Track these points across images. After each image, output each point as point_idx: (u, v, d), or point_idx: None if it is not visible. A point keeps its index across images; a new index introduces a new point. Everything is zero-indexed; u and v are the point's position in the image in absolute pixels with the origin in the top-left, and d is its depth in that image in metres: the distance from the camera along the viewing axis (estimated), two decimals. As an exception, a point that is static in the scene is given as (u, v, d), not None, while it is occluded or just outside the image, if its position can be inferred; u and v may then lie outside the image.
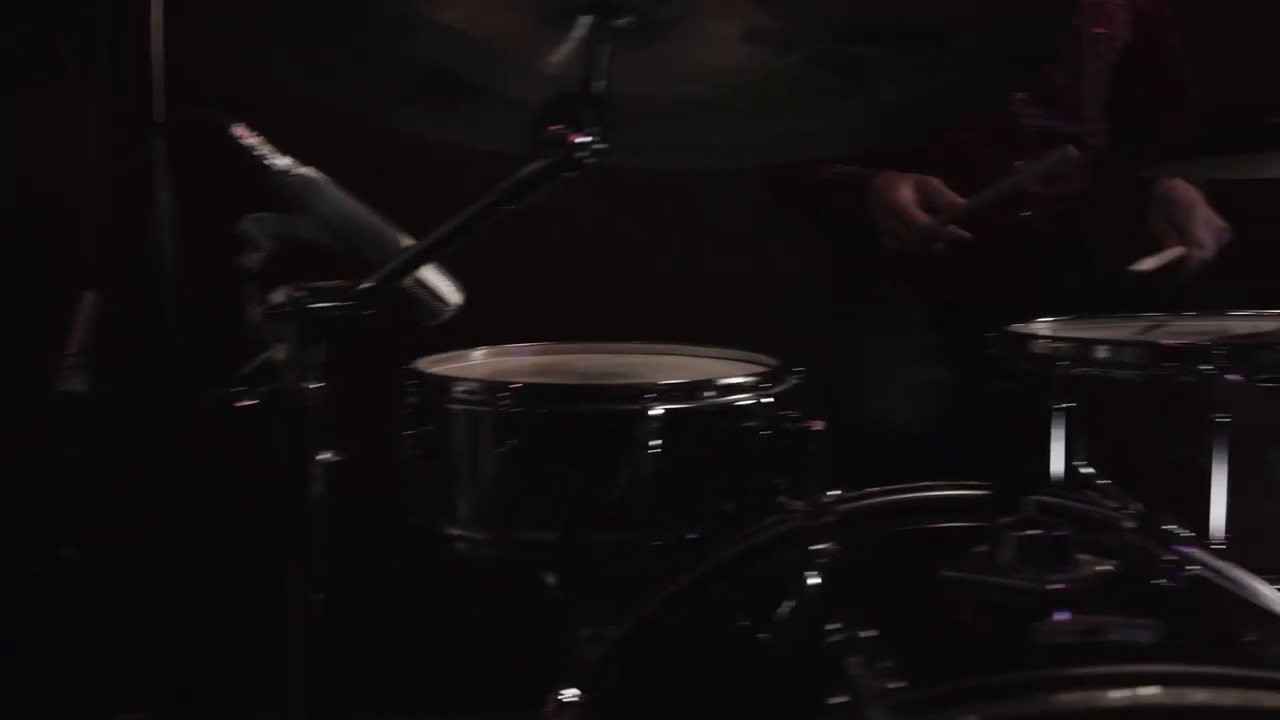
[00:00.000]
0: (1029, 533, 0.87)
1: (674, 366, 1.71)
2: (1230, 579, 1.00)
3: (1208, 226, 1.93)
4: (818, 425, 1.59)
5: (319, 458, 1.14)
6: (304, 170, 1.31)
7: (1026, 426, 1.36)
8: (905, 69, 1.05)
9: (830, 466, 1.75)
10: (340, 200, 1.33)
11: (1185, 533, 1.01)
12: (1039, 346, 1.37)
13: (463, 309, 1.36)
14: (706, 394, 1.44)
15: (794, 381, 1.57)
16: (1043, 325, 1.61)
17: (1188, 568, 0.95)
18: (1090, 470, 1.23)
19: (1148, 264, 1.83)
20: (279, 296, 1.11)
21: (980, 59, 0.97)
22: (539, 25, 1.07)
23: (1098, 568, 0.89)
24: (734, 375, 1.51)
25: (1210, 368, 1.22)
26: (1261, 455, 1.22)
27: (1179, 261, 1.89)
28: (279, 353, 1.14)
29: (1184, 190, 1.97)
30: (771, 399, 1.46)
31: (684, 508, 1.44)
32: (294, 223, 1.33)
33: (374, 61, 1.18)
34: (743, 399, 1.46)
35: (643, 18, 1.03)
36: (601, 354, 1.79)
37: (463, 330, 1.52)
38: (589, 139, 0.99)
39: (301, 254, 1.27)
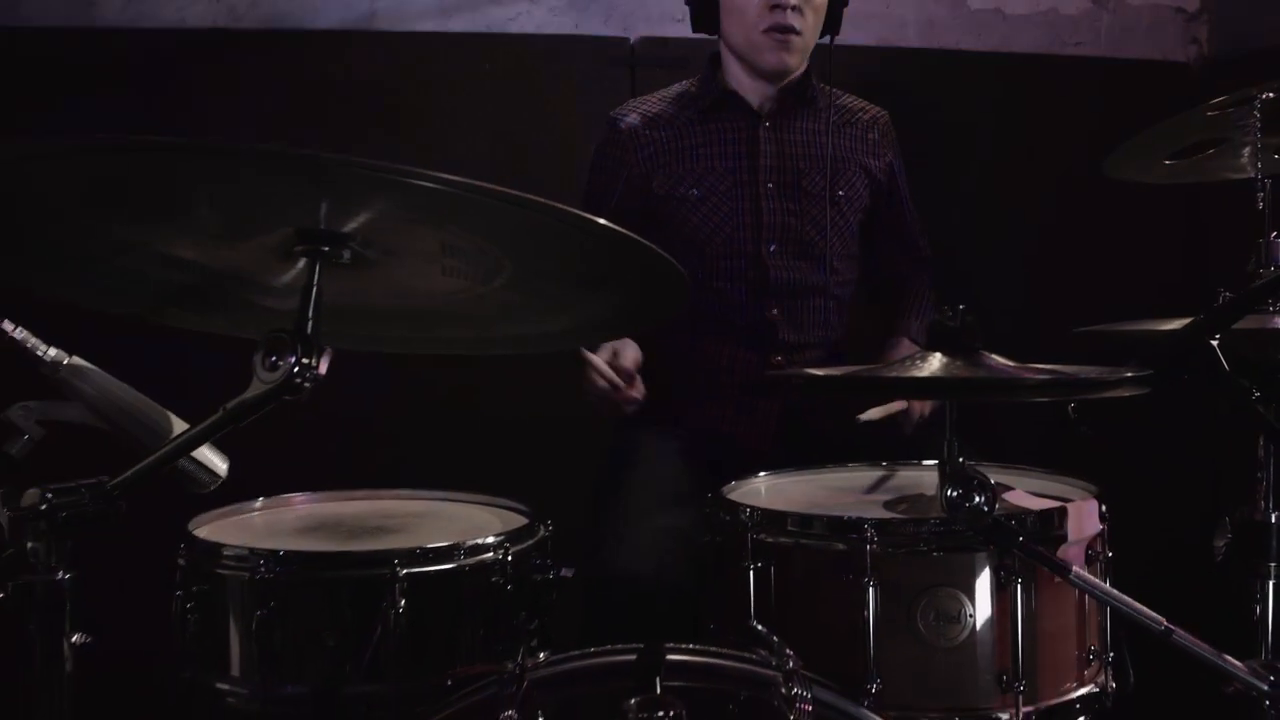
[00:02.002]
0: (642, 715, 1.06)
1: (437, 516, 1.86)
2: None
3: None
4: (567, 572, 1.76)
5: (72, 640, 1.24)
6: (73, 359, 1.43)
7: (733, 583, 1.55)
8: (582, 299, 1.25)
9: (585, 608, 1.93)
10: (108, 385, 1.46)
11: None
12: (742, 512, 1.56)
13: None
14: (453, 555, 1.59)
15: (543, 533, 1.74)
16: (762, 481, 1.83)
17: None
18: (761, 627, 1.43)
19: (872, 414, 2.05)
20: (30, 497, 1.22)
21: (626, 295, 1.18)
22: (272, 258, 1.23)
23: None
24: (485, 533, 1.67)
25: (859, 537, 1.44)
26: (905, 612, 1.44)
27: (901, 413, 2.12)
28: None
29: (910, 348, 2.22)
30: (510, 557, 1.62)
31: (436, 659, 1.59)
32: (62, 408, 1.46)
33: (130, 280, 1.32)
34: (488, 558, 1.62)
35: (355, 255, 1.20)
36: (372, 500, 1.94)
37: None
38: (301, 368, 1.14)
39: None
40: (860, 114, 2.42)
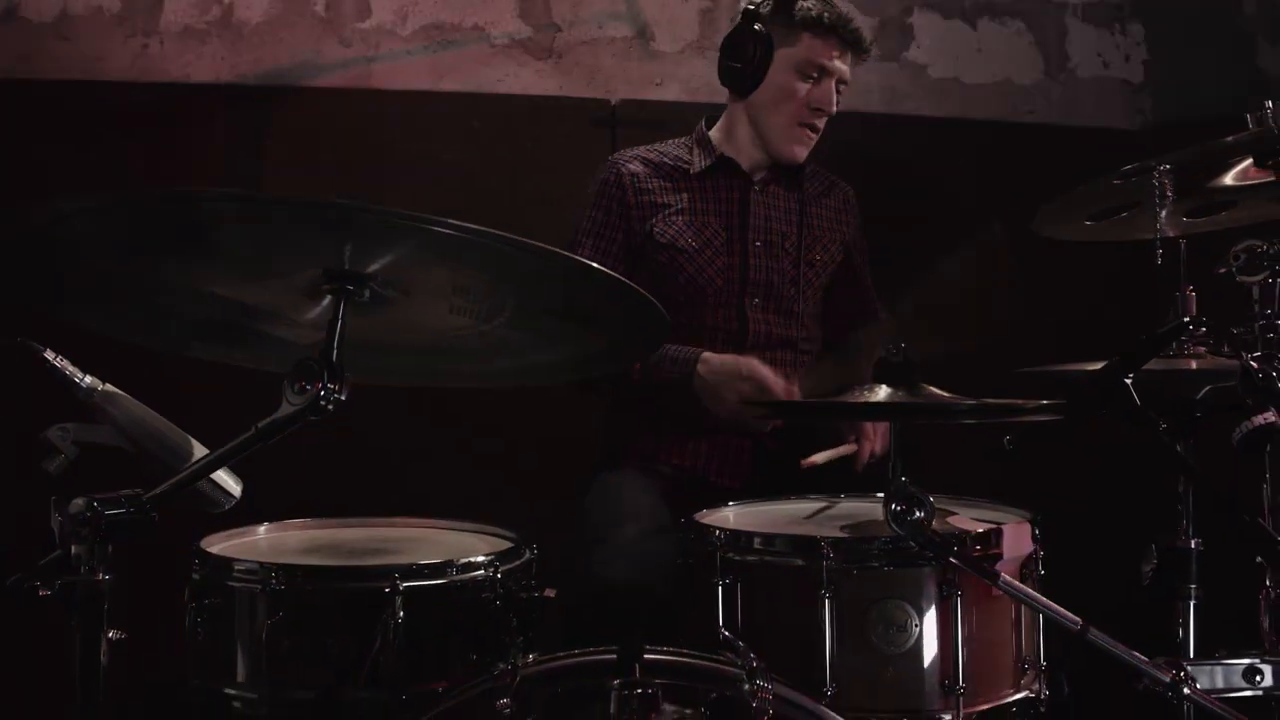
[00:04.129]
0: (626, 691, 1.21)
1: (431, 541, 2.00)
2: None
3: (880, 425, 2.34)
4: (550, 593, 1.90)
5: (109, 636, 1.38)
6: (106, 386, 1.58)
7: (704, 599, 1.71)
8: (573, 336, 1.41)
9: (567, 625, 2.07)
10: (137, 411, 1.60)
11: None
12: (712, 534, 1.72)
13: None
14: (447, 572, 1.74)
15: (529, 556, 1.88)
16: (731, 511, 1.99)
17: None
18: (729, 634, 1.59)
19: (819, 458, 2.21)
20: (77, 506, 1.36)
21: (613, 332, 1.35)
22: (298, 296, 1.39)
23: (683, 712, 1.24)
24: (475, 553, 1.81)
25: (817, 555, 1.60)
26: (858, 622, 1.60)
27: (852, 455, 2.29)
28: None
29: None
30: (500, 575, 1.76)
31: (430, 667, 1.72)
32: (95, 431, 1.60)
33: (167, 316, 1.48)
34: (479, 575, 1.76)
35: (374, 294, 1.36)
36: (369, 527, 2.07)
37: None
38: (327, 392, 1.30)
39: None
40: (833, 187, 2.63)
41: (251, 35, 3.05)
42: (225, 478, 1.63)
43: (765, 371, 2.27)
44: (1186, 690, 1.41)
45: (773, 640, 1.62)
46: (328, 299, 1.36)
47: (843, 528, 1.78)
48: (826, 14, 2.39)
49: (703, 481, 2.39)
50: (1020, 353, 2.10)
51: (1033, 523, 1.77)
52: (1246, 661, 1.49)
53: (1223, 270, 1.52)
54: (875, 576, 1.64)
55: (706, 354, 2.33)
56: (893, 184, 3.14)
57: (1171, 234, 1.77)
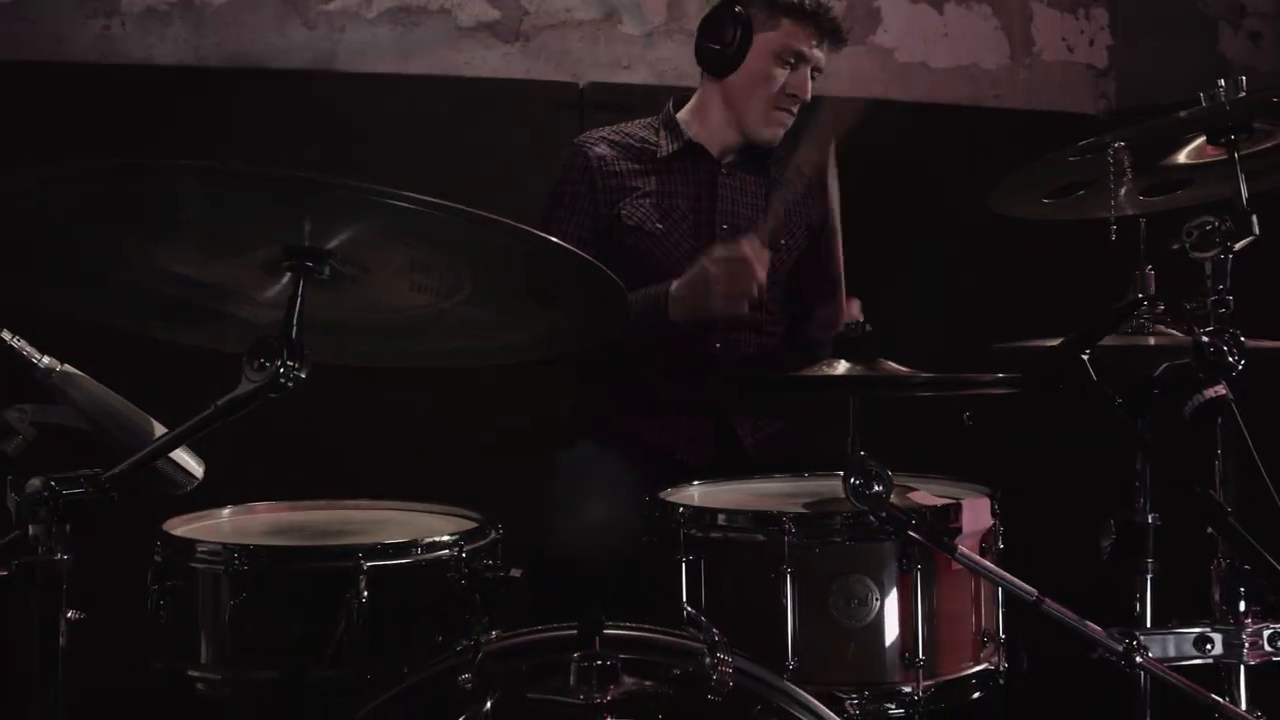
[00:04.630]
0: (585, 664, 1.22)
1: (396, 522, 2.00)
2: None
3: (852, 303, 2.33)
4: (516, 572, 1.91)
5: (67, 616, 1.37)
6: (64, 367, 1.57)
7: (667, 577, 1.72)
8: (533, 315, 1.42)
9: (533, 605, 2.08)
10: (96, 391, 1.59)
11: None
12: (676, 511, 1.73)
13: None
14: (411, 551, 1.74)
15: (494, 536, 1.89)
16: (696, 489, 2.00)
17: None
18: (691, 610, 1.60)
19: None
20: (34, 485, 1.35)
21: (574, 310, 1.35)
22: (258, 273, 1.38)
23: (643, 684, 1.25)
24: (440, 533, 1.81)
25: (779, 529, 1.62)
26: (819, 597, 1.61)
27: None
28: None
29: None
30: (464, 555, 1.76)
31: (394, 647, 1.73)
32: (54, 412, 1.59)
33: (125, 295, 1.47)
34: (444, 554, 1.76)
35: (334, 271, 1.36)
36: (333, 509, 2.07)
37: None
38: (286, 369, 1.30)
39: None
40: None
41: (214, 17, 3.02)
42: (186, 458, 1.62)
43: (726, 249, 2.25)
44: (1139, 659, 1.44)
45: (736, 616, 1.63)
46: (288, 276, 1.35)
47: (807, 505, 1.80)
48: (807, 0, 2.40)
49: (667, 459, 2.40)
50: (990, 331, 2.12)
51: (992, 498, 1.79)
52: (1197, 630, 1.52)
53: (1176, 246, 1.54)
54: (837, 551, 1.65)
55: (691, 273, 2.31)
56: (859, 167, 3.14)
57: (1130, 212, 1.79)
